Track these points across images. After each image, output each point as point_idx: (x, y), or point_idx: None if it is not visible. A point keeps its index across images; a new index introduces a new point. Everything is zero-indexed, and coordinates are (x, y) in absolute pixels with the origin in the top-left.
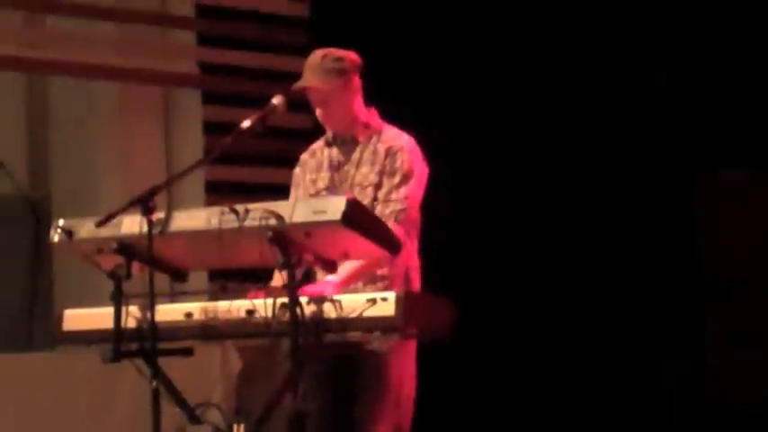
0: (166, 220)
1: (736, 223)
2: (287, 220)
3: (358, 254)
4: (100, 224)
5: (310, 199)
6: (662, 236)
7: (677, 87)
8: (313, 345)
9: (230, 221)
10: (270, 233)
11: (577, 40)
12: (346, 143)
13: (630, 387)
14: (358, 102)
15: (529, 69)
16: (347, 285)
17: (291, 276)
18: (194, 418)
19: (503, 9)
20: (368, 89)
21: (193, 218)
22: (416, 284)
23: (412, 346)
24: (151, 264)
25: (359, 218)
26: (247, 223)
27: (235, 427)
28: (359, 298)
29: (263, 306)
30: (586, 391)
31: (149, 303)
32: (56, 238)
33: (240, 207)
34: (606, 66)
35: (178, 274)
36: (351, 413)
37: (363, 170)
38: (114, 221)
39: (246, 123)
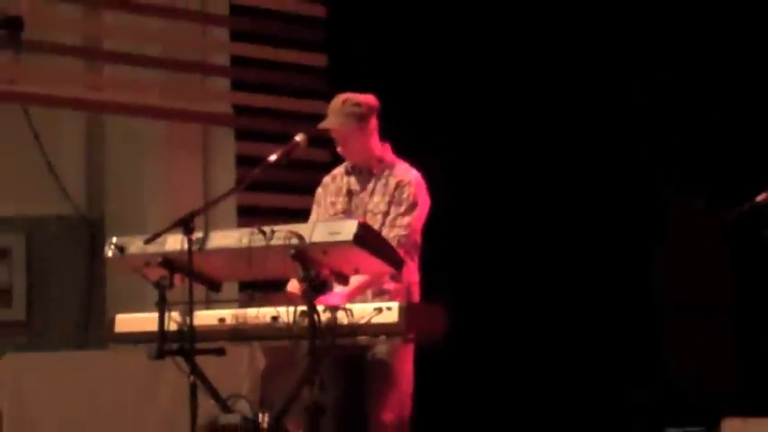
0: (204, 239)
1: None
2: (307, 240)
3: (367, 269)
4: (148, 242)
5: (327, 221)
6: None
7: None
8: (328, 346)
9: (259, 241)
10: (292, 251)
11: (574, 59)
12: (363, 174)
13: (627, 386)
14: (374, 140)
15: (525, 78)
16: (354, 297)
17: (310, 288)
18: (226, 408)
19: (503, 16)
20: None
21: (227, 237)
22: (416, 297)
23: (411, 348)
24: (190, 276)
25: (369, 239)
26: (273, 242)
27: (260, 415)
28: (367, 307)
29: (285, 313)
30: (575, 392)
31: (188, 309)
32: (110, 253)
33: (267, 228)
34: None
35: (213, 285)
36: (363, 405)
37: (375, 199)
38: (160, 240)
39: (273, 157)
